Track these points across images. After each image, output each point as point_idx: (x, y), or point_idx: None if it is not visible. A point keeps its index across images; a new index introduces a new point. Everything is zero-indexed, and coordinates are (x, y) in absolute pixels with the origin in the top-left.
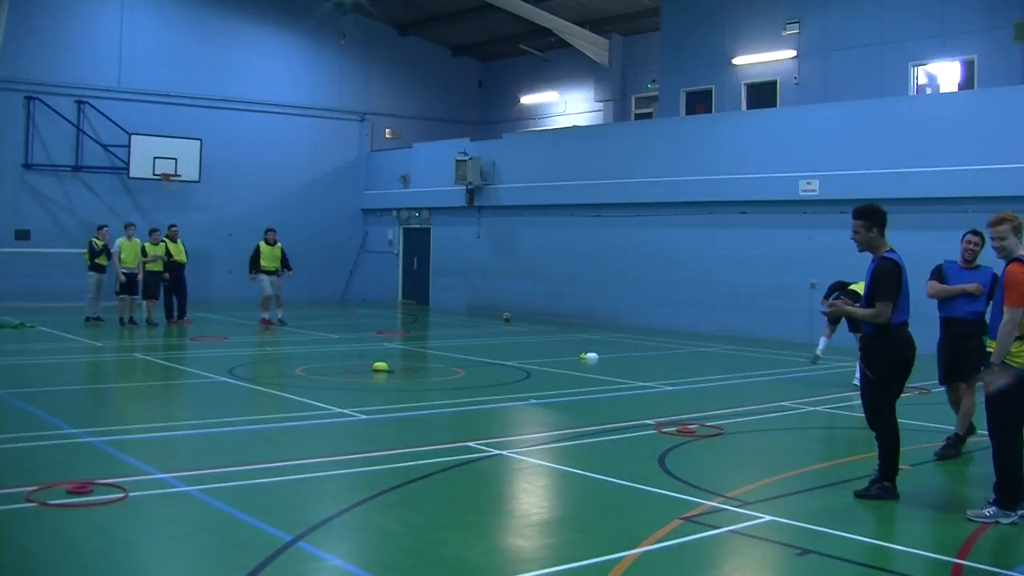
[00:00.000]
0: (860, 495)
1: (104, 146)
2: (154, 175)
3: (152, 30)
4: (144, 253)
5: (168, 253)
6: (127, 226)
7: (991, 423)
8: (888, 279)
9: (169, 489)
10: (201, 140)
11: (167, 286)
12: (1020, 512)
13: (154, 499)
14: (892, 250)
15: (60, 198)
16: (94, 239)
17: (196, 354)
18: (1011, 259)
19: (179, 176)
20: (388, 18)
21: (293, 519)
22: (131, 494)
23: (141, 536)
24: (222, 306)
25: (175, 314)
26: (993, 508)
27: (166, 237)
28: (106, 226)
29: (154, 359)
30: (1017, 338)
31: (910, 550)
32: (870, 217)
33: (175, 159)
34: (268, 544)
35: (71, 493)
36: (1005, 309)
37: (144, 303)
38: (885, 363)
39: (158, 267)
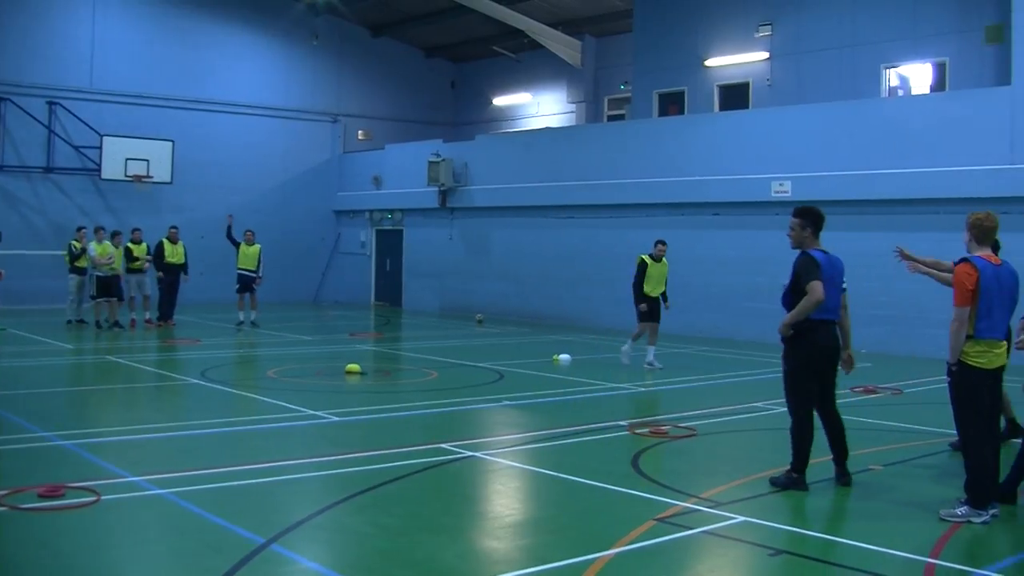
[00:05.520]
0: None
1: (76, 147)
2: (126, 176)
3: (124, 31)
4: (130, 256)
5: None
6: (97, 230)
7: (957, 420)
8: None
9: (141, 492)
10: (173, 141)
11: (163, 288)
12: (991, 511)
13: (126, 502)
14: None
15: (31, 199)
16: (73, 241)
17: (168, 356)
18: (960, 259)
19: (151, 177)
20: (361, 19)
21: (266, 521)
22: (103, 497)
23: (113, 539)
24: (194, 308)
25: (159, 315)
26: (965, 507)
27: (131, 241)
28: (84, 228)
29: (126, 361)
30: (969, 337)
31: (883, 550)
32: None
33: (147, 160)
34: (241, 546)
35: (42, 496)
36: (953, 308)
37: (111, 303)
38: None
39: (117, 268)
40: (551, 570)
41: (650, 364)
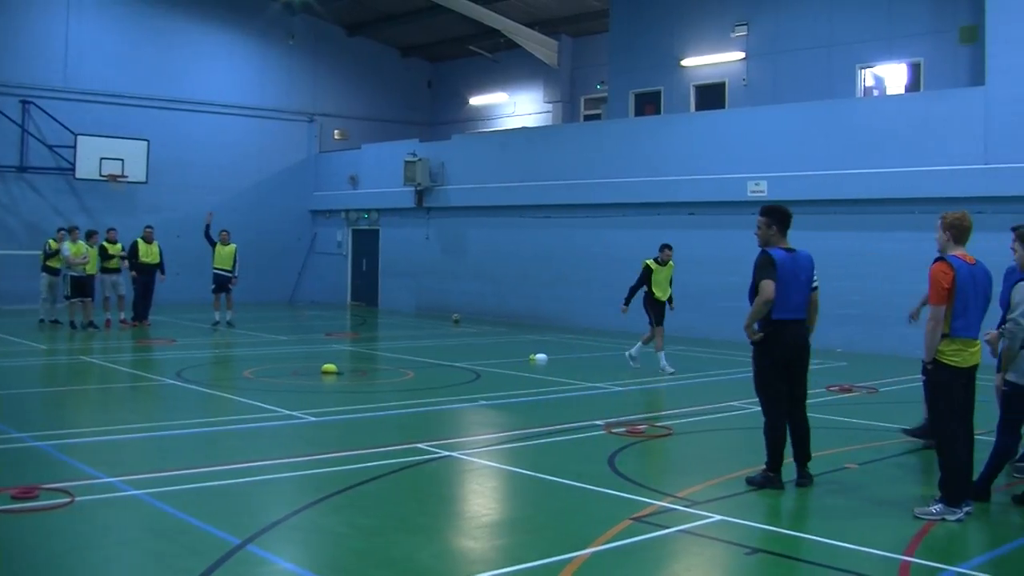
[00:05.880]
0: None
1: (50, 147)
2: (101, 176)
3: (99, 30)
4: (105, 255)
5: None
6: (72, 230)
7: (931, 418)
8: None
9: (117, 493)
10: (148, 141)
11: (138, 288)
12: (965, 509)
13: (102, 503)
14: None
15: (4, 199)
16: (50, 240)
17: (144, 357)
18: (936, 258)
19: (126, 177)
20: (337, 19)
21: (242, 522)
22: (78, 499)
23: (88, 541)
24: (170, 308)
25: (134, 315)
26: (939, 505)
27: (106, 240)
28: (63, 228)
29: (101, 362)
30: (944, 336)
31: (858, 548)
32: (771, 215)
33: (122, 160)
34: (217, 547)
35: (16, 498)
36: (929, 307)
37: (86, 303)
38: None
39: (92, 270)
40: (527, 570)
41: (632, 358)
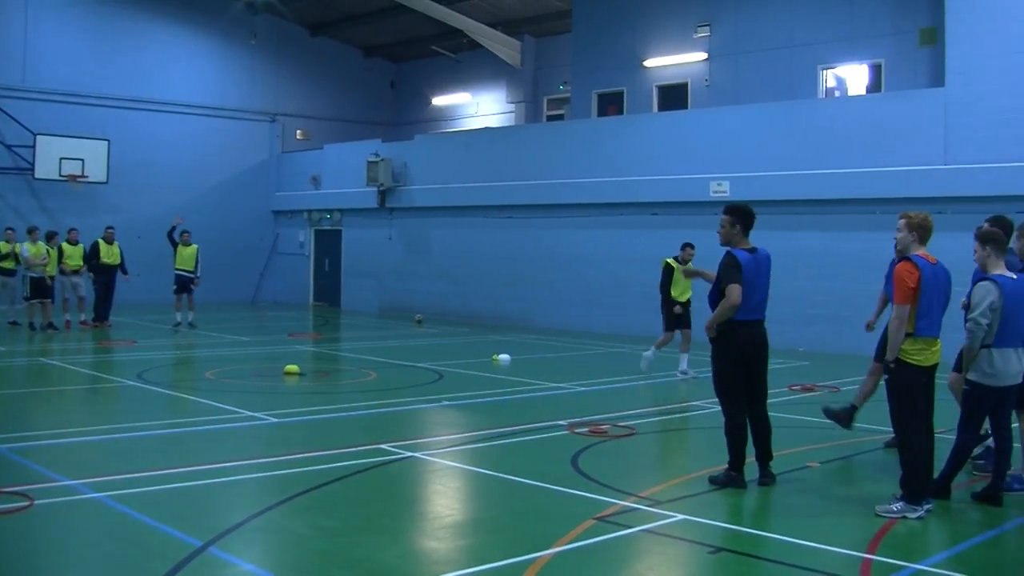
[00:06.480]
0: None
1: (8, 146)
2: (60, 176)
3: (58, 28)
4: (61, 257)
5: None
6: (31, 230)
7: (893, 416)
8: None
9: (77, 496)
10: (109, 141)
11: (99, 289)
12: (926, 506)
13: (61, 507)
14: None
15: None
16: (1, 242)
17: (104, 358)
18: (901, 257)
19: (86, 177)
20: (299, 18)
21: (204, 524)
22: (37, 502)
23: (48, 545)
24: (131, 309)
25: (95, 317)
26: (900, 503)
27: (66, 241)
28: (11, 229)
29: (60, 363)
30: (908, 335)
31: (820, 546)
32: (735, 214)
33: (82, 160)
34: (179, 550)
35: None
36: (893, 307)
37: (45, 304)
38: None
39: (52, 271)
40: (491, 570)
41: (684, 372)
